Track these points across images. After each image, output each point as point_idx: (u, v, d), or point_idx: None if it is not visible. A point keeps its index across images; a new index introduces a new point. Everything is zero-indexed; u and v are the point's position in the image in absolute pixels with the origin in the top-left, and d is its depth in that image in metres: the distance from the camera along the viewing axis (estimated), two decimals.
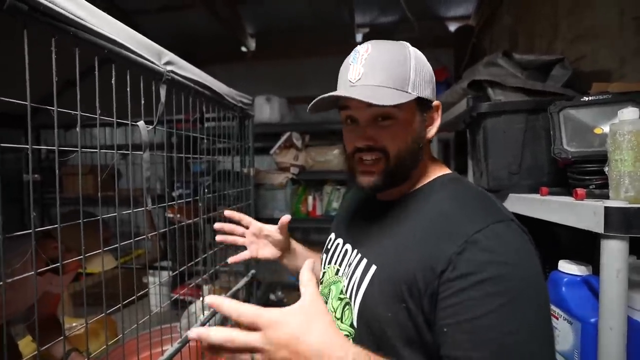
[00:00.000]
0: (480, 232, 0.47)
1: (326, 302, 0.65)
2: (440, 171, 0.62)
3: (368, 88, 0.53)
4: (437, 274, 0.47)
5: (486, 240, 0.46)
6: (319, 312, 0.42)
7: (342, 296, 0.61)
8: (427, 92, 0.57)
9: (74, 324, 1.34)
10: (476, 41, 2.63)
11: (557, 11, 1.48)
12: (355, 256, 0.61)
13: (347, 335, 0.57)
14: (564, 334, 0.71)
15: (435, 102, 0.60)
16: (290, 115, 2.92)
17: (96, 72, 0.62)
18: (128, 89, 0.74)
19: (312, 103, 0.57)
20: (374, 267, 0.55)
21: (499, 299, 0.43)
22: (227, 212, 0.78)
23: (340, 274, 0.64)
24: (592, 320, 0.64)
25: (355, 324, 0.56)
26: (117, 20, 0.70)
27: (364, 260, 0.58)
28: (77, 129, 0.59)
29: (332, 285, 0.65)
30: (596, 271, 0.63)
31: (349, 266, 0.62)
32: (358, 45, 0.57)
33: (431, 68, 0.60)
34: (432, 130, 0.60)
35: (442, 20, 2.98)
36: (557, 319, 0.73)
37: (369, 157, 0.57)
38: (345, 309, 0.59)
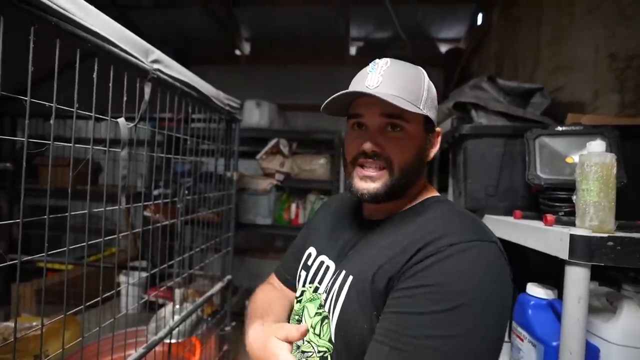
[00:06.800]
0: (459, 245, 0.47)
1: (299, 322, 0.63)
2: (431, 193, 0.63)
3: (386, 95, 0.52)
4: (402, 264, 0.49)
5: (460, 253, 0.46)
6: None
7: (320, 310, 0.59)
8: (433, 116, 0.59)
9: (33, 323, 1.27)
10: (465, 63, 2.72)
11: (539, 42, 1.55)
12: (336, 270, 0.60)
13: (326, 352, 0.56)
14: (528, 356, 0.73)
15: (438, 129, 0.62)
16: (280, 121, 2.92)
17: (77, 66, 0.61)
18: (110, 85, 0.72)
19: (327, 101, 0.56)
20: (350, 278, 0.55)
21: (436, 305, 0.44)
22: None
23: (319, 291, 0.62)
24: (554, 343, 0.66)
25: (333, 338, 0.55)
26: (103, 14, 0.69)
27: (343, 272, 0.57)
28: (51, 121, 0.58)
29: (308, 302, 0.63)
30: (562, 295, 0.64)
31: (329, 280, 0.61)
32: (377, 59, 0.59)
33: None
34: (432, 154, 0.62)
35: (434, 41, 3.07)
36: (522, 340, 0.75)
37: (372, 164, 0.56)
38: (324, 323, 0.57)
